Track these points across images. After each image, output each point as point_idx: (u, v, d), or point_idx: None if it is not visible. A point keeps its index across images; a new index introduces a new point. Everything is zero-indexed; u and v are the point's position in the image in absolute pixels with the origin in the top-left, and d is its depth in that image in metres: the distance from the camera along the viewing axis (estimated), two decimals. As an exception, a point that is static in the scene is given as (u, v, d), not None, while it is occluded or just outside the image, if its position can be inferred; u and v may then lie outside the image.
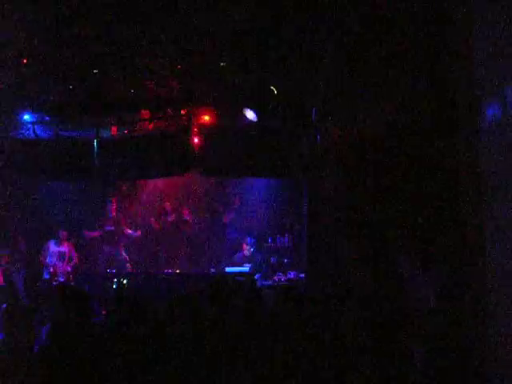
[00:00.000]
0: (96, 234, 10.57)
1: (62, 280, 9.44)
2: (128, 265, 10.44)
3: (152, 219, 11.01)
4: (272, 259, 9.42)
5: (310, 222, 8.26)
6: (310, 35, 6.47)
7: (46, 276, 9.52)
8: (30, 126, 9.59)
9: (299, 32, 6.47)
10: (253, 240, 9.89)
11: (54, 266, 9.60)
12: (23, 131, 9.76)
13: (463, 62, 4.28)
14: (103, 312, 5.16)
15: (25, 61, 8.82)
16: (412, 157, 5.46)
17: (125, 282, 7.71)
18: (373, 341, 4.33)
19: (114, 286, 7.83)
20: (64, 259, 9.79)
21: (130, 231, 10.69)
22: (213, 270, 9.85)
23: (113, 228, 10.62)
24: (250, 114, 8.47)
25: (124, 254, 10.53)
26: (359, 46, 6.04)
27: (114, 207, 10.88)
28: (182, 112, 9.60)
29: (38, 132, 9.72)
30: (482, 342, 4.22)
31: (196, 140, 9.73)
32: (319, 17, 6.06)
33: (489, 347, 4.14)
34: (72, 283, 9.32)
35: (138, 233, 10.80)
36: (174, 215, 11.05)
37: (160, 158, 9.65)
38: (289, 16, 6.16)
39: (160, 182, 11.34)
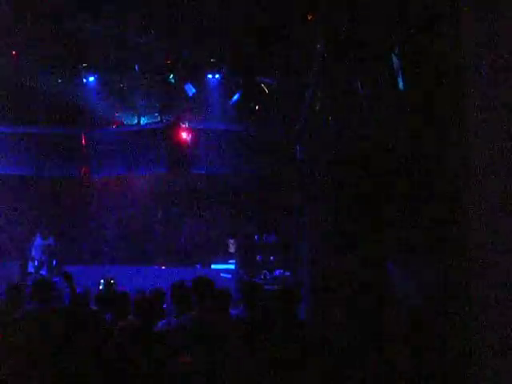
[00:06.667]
0: None
1: (46, 273, 9.39)
2: None
3: None
4: (258, 257, 9.47)
5: (299, 221, 8.34)
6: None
7: (31, 269, 9.47)
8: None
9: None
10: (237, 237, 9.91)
11: (40, 259, 9.56)
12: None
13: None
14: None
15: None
16: (402, 156, 5.52)
17: (112, 281, 7.58)
18: (360, 344, 4.40)
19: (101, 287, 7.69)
20: (49, 252, 9.74)
21: None
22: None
23: None
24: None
25: None
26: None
27: None
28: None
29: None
30: (467, 339, 4.28)
31: (184, 137, 9.75)
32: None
33: (474, 345, 4.21)
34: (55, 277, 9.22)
35: None
36: None
37: (147, 154, 9.64)
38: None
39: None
